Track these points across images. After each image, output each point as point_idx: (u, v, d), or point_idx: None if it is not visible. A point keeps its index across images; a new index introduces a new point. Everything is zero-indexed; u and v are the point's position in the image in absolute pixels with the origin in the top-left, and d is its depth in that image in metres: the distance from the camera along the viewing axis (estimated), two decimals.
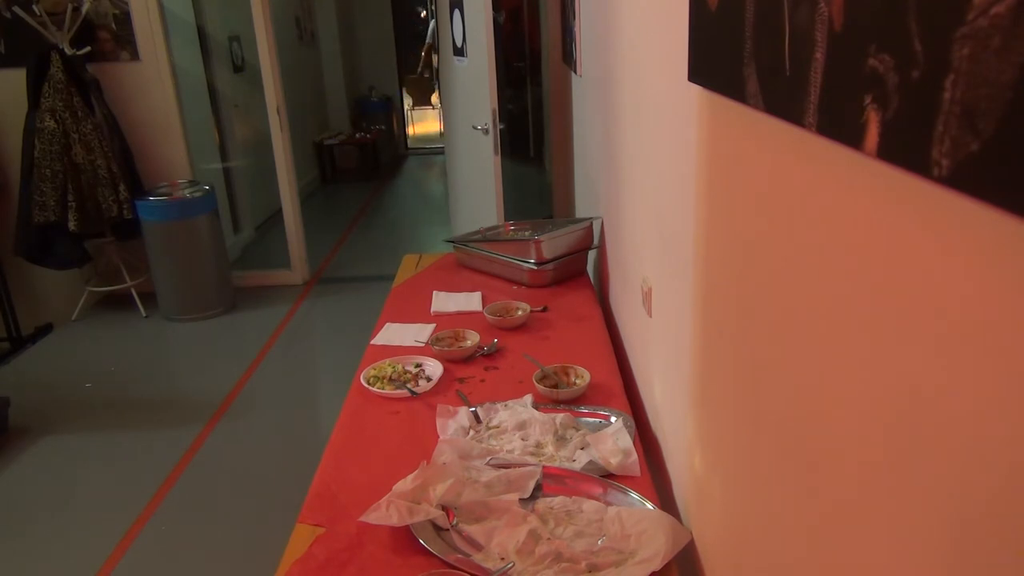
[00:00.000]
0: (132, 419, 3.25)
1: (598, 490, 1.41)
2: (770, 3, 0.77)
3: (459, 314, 2.30)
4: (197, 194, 4.18)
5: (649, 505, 1.35)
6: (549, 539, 1.28)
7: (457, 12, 3.87)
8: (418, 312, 2.34)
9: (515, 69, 7.70)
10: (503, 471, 1.44)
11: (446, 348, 2.01)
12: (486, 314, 2.20)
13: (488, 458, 1.52)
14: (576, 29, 3.27)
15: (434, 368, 1.92)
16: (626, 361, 2.09)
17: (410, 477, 1.40)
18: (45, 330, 4.21)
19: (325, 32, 7.99)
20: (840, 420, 0.70)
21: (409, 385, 1.83)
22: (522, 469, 1.45)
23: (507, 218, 3.80)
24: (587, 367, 1.85)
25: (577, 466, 1.49)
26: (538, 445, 1.58)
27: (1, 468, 2.92)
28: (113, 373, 3.69)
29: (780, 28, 0.74)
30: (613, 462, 1.48)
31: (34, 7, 3.96)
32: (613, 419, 1.64)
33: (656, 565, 1.20)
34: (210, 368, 3.71)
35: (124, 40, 4.18)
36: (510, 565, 1.22)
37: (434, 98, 9.92)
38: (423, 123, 10.55)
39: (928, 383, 0.54)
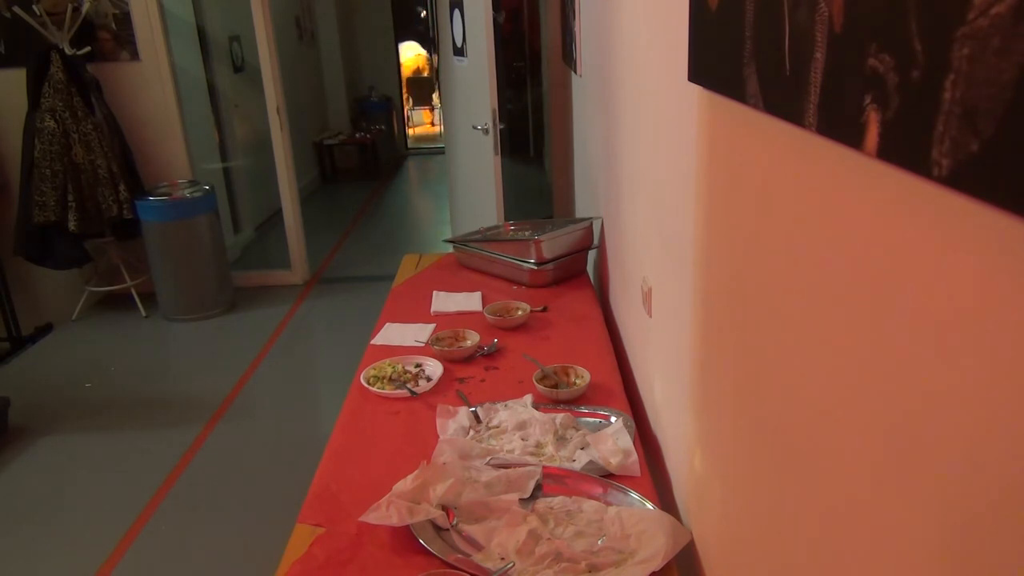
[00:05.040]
0: (132, 419, 3.25)
1: (598, 490, 1.41)
2: (770, 3, 0.77)
3: (459, 314, 2.30)
4: (197, 194, 4.18)
5: (649, 505, 1.35)
6: (549, 539, 1.28)
7: (457, 12, 3.87)
8: (418, 312, 2.34)
9: (515, 69, 7.71)
10: (503, 471, 1.44)
11: (446, 348, 2.01)
12: (486, 314, 2.20)
13: (488, 458, 1.52)
14: (576, 29, 3.27)
15: (434, 368, 1.92)
16: (626, 361, 2.09)
17: (410, 477, 1.40)
18: (45, 330, 4.21)
19: (325, 32, 7.99)
20: (840, 420, 0.70)
21: (409, 385, 1.83)
22: (522, 469, 1.45)
23: (507, 218, 3.80)
24: (587, 367, 1.85)
25: (577, 466, 1.49)
26: (538, 445, 1.58)
27: (1, 468, 2.92)
28: (113, 373, 3.69)
29: (780, 28, 0.74)
30: (613, 462, 1.48)
31: (34, 7, 3.96)
32: (613, 419, 1.64)
33: (656, 565, 1.20)
34: (210, 368, 3.71)
35: (124, 40, 4.18)
36: (510, 565, 1.22)
37: (434, 98, 9.94)
38: (423, 124, 10.55)
39: (928, 383, 0.54)
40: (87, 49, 4.08)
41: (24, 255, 4.03)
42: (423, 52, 9.87)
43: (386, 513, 1.31)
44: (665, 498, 1.57)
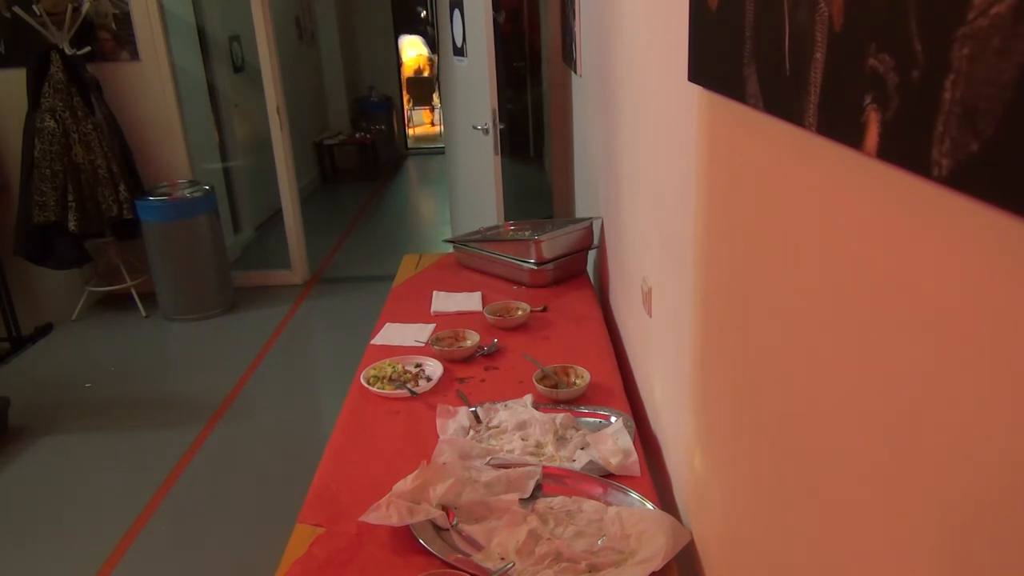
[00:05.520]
0: (132, 419, 3.25)
1: (598, 490, 1.41)
2: (770, 3, 0.77)
3: (459, 314, 2.30)
4: (197, 194, 4.18)
5: (649, 505, 1.36)
6: (549, 539, 1.28)
7: (457, 12, 3.87)
8: (418, 312, 2.34)
9: (515, 69, 7.70)
10: (503, 471, 1.44)
11: (446, 348, 2.01)
12: (486, 314, 2.20)
13: (488, 458, 1.52)
14: (576, 29, 3.27)
15: (434, 368, 1.92)
16: (626, 361, 2.09)
17: (410, 477, 1.40)
18: (45, 330, 4.21)
19: (325, 32, 7.99)
20: (840, 420, 0.70)
21: (409, 385, 1.83)
22: (522, 469, 1.45)
23: (507, 218, 3.80)
24: (587, 367, 1.85)
25: (577, 466, 1.49)
26: (538, 445, 1.58)
27: (1, 468, 2.92)
28: (113, 373, 3.69)
29: (780, 28, 0.74)
30: (613, 462, 1.48)
31: (34, 7, 3.96)
32: (613, 419, 1.64)
33: (656, 565, 1.20)
34: (210, 368, 3.71)
35: (124, 40, 4.18)
36: (510, 565, 1.22)
37: (434, 98, 9.94)
38: (423, 124, 10.56)
39: (928, 383, 0.54)
40: (87, 49, 4.08)
41: (24, 255, 4.03)
42: (424, 52, 9.85)
43: (386, 513, 1.31)
44: (665, 498, 1.57)
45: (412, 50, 9.79)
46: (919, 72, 0.50)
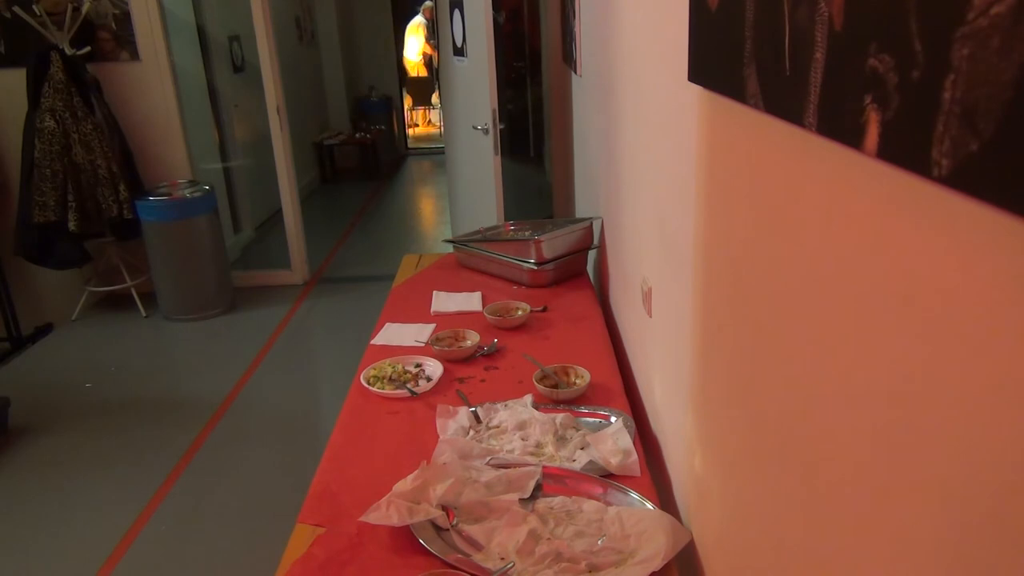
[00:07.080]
0: (132, 419, 3.25)
1: (598, 490, 1.41)
2: (770, 3, 0.77)
3: (459, 314, 2.30)
4: (197, 194, 4.18)
5: (649, 505, 1.36)
6: (549, 539, 1.28)
7: (457, 12, 3.87)
8: (418, 312, 2.34)
9: (515, 69, 7.70)
10: (503, 471, 1.44)
11: (446, 348, 2.01)
12: (486, 314, 2.20)
13: (488, 458, 1.52)
14: (576, 29, 3.27)
15: (434, 368, 1.92)
16: (626, 361, 2.09)
17: (410, 477, 1.40)
18: (45, 330, 4.20)
19: (325, 32, 7.99)
20: (840, 420, 0.70)
21: (409, 385, 1.83)
22: (522, 469, 1.45)
23: (507, 218, 3.80)
24: (587, 367, 1.85)
25: (577, 466, 1.49)
26: (538, 445, 1.58)
27: (1, 468, 2.92)
28: (113, 373, 3.69)
29: (780, 28, 0.74)
30: (613, 462, 1.48)
31: (34, 7, 3.96)
32: (613, 419, 1.64)
33: (656, 565, 1.20)
34: (210, 368, 3.71)
35: (124, 40, 4.18)
36: (510, 565, 1.22)
37: (434, 98, 9.92)
38: (423, 124, 10.55)
39: (928, 382, 0.54)
40: (87, 49, 4.08)
41: (24, 255, 4.03)
42: (418, 55, 9.78)
43: (386, 513, 1.31)
44: (665, 498, 1.57)
45: (412, 49, 9.74)
46: (919, 72, 0.50)
